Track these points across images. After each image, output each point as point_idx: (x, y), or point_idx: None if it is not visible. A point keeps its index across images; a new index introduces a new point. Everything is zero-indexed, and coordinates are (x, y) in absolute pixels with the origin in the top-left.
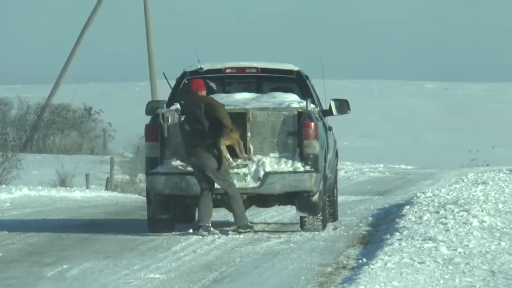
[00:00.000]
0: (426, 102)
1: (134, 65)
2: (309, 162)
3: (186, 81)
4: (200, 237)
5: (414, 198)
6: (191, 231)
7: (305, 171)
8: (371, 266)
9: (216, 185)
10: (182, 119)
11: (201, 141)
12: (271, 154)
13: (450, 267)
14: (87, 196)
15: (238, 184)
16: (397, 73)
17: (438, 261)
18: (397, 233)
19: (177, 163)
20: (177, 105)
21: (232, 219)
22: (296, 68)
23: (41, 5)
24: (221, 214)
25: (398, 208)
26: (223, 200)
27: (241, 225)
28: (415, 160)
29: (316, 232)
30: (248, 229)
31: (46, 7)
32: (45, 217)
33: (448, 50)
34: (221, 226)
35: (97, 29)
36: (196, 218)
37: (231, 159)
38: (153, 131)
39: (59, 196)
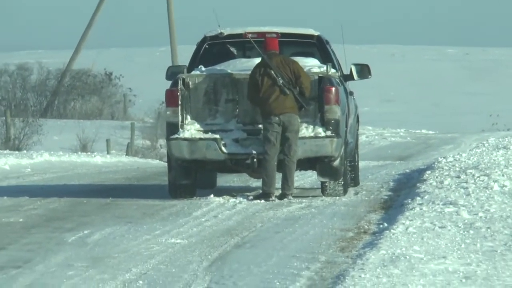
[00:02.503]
0: (447, 67)
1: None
2: (330, 127)
3: (207, 46)
4: (221, 202)
5: (435, 163)
6: (212, 196)
7: (326, 136)
8: (392, 231)
9: (269, 150)
10: (281, 81)
11: (292, 102)
12: None
13: (471, 231)
14: (107, 161)
15: (259, 149)
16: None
17: (459, 225)
18: (418, 198)
19: (198, 128)
20: (197, 71)
21: (255, 184)
22: (316, 33)
23: None
24: (242, 179)
25: (419, 173)
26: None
27: (291, 193)
28: (436, 125)
29: (337, 197)
30: (291, 198)
31: None
32: (66, 182)
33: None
34: (242, 191)
35: None
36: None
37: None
38: (174, 96)
39: (80, 162)
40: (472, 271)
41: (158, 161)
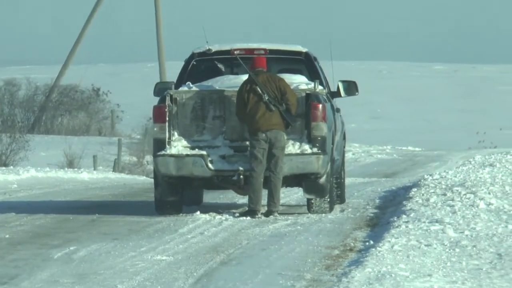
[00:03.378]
0: (435, 84)
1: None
2: (317, 144)
3: (195, 63)
4: (208, 218)
5: (422, 180)
6: (198, 213)
7: (313, 153)
8: (378, 248)
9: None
10: (267, 97)
11: (278, 118)
12: None
13: (457, 249)
14: (94, 177)
15: (245, 166)
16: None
17: (445, 243)
18: (404, 216)
19: (185, 144)
20: (185, 87)
21: (241, 201)
22: (304, 50)
23: None
24: (229, 196)
25: (405, 191)
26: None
27: (277, 209)
28: (423, 141)
29: (323, 214)
30: (277, 215)
31: None
32: (52, 198)
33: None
34: (228, 208)
35: (106, 10)
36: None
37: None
38: (161, 112)
39: (66, 178)
40: None
41: (144, 177)
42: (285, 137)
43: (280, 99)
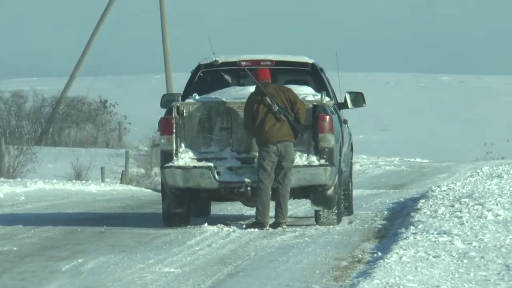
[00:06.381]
0: (441, 95)
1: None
2: (324, 156)
3: (202, 74)
4: (215, 230)
5: (429, 192)
6: (206, 224)
7: (320, 165)
8: (386, 260)
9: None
10: (276, 108)
11: (288, 129)
12: None
13: (465, 261)
14: (102, 189)
15: (252, 177)
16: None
17: (453, 255)
18: (412, 227)
19: (192, 156)
20: (191, 98)
21: (248, 213)
22: (311, 61)
23: None
24: (236, 208)
25: (413, 202)
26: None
27: (285, 221)
28: (431, 153)
29: (331, 226)
30: (285, 226)
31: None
32: (60, 210)
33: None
34: (236, 220)
35: (113, 21)
36: (254, 213)
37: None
38: (168, 124)
39: (74, 190)
40: None
41: (150, 190)
42: (294, 148)
43: (290, 109)
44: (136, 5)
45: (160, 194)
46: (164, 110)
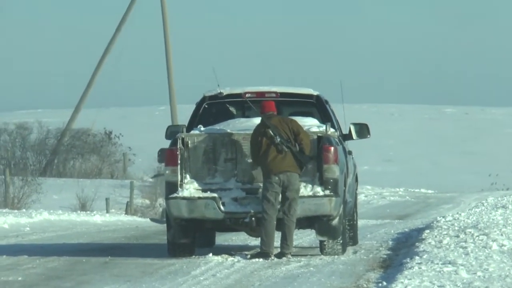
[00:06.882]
0: (446, 126)
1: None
2: (329, 186)
3: (206, 106)
4: (220, 260)
5: (434, 222)
6: (210, 255)
7: (325, 195)
8: None
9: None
10: (278, 139)
11: (291, 160)
12: None
13: None
14: (107, 220)
15: (257, 208)
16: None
17: (458, 284)
18: (417, 257)
19: (197, 187)
20: (196, 130)
21: (253, 243)
22: (315, 93)
23: (62, 30)
24: (241, 238)
25: (418, 232)
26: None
27: (290, 252)
28: (436, 184)
29: (336, 256)
30: (290, 257)
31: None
32: (65, 241)
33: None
34: (241, 250)
35: (117, 54)
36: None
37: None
38: (173, 155)
39: (79, 220)
40: None
41: (149, 221)
42: (299, 179)
43: (294, 140)
44: (140, 38)
45: (165, 224)
46: (169, 142)
